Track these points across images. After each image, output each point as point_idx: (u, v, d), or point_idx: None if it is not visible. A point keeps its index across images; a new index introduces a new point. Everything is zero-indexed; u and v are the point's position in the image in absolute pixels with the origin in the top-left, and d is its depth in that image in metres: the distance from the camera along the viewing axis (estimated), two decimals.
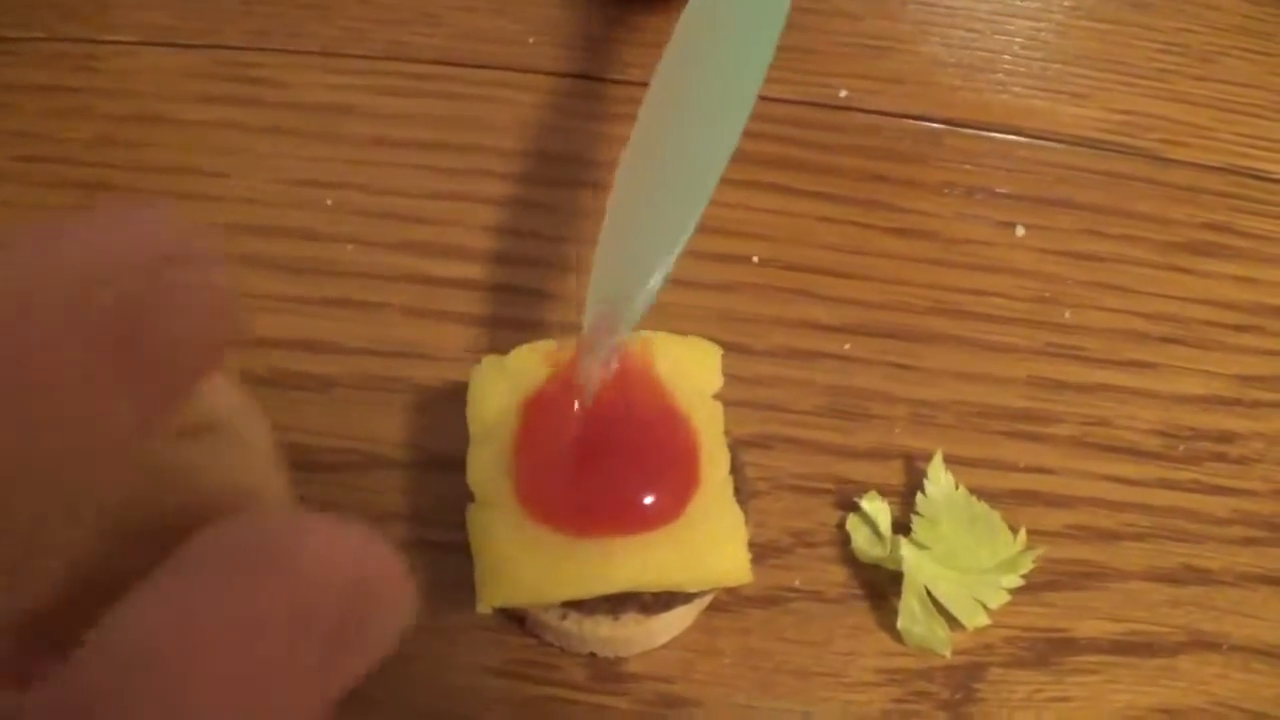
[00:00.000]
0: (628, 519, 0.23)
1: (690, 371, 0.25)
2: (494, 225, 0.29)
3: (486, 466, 0.24)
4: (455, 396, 0.24)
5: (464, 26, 0.33)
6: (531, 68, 0.33)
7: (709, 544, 0.23)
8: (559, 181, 0.30)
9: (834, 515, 0.27)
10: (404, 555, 0.11)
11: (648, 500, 0.23)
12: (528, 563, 0.23)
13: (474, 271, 0.29)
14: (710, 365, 0.25)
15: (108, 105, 0.31)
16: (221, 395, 0.13)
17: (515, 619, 0.25)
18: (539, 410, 0.24)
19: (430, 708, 0.24)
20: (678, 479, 0.24)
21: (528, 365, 0.24)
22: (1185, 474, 0.28)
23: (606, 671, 0.25)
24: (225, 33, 0.33)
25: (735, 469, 0.24)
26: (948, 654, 0.25)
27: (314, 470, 0.27)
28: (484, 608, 0.23)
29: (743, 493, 0.24)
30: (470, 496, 0.23)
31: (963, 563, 0.26)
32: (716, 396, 0.24)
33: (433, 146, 0.31)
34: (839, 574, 0.26)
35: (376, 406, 0.27)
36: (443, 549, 0.25)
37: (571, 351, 0.24)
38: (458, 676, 0.25)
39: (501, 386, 0.24)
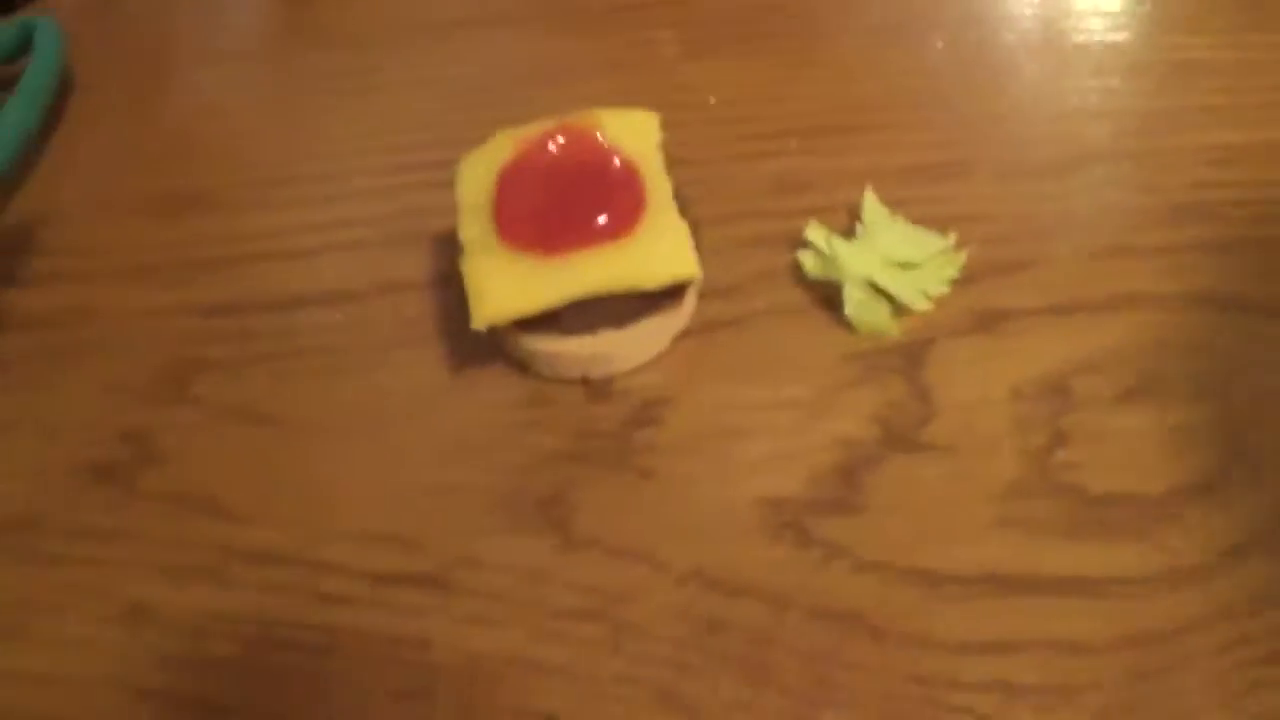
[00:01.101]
0: (586, 236, 0.28)
1: (633, 133, 0.30)
2: None
3: (472, 224, 0.29)
4: None
5: None
6: None
7: (656, 247, 0.28)
8: None
9: (787, 255, 0.31)
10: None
11: (601, 220, 0.28)
12: (508, 281, 0.28)
13: None
14: (650, 127, 0.30)
15: None
16: None
17: (516, 364, 0.29)
18: (511, 174, 0.29)
19: (457, 438, 0.29)
20: (625, 202, 0.28)
21: (501, 148, 0.29)
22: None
23: (598, 390, 0.29)
24: None
25: (679, 197, 0.29)
26: (895, 333, 0.29)
27: None
28: (478, 324, 0.27)
29: (689, 214, 0.29)
30: (460, 252, 0.28)
31: (901, 260, 0.29)
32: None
33: None
34: (796, 294, 0.30)
35: None
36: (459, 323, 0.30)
37: (532, 131, 0.29)
38: (478, 413, 0.29)
39: (480, 168, 0.29)
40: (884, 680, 0.24)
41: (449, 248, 0.31)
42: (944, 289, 0.29)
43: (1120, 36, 0.37)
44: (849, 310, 0.29)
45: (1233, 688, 0.23)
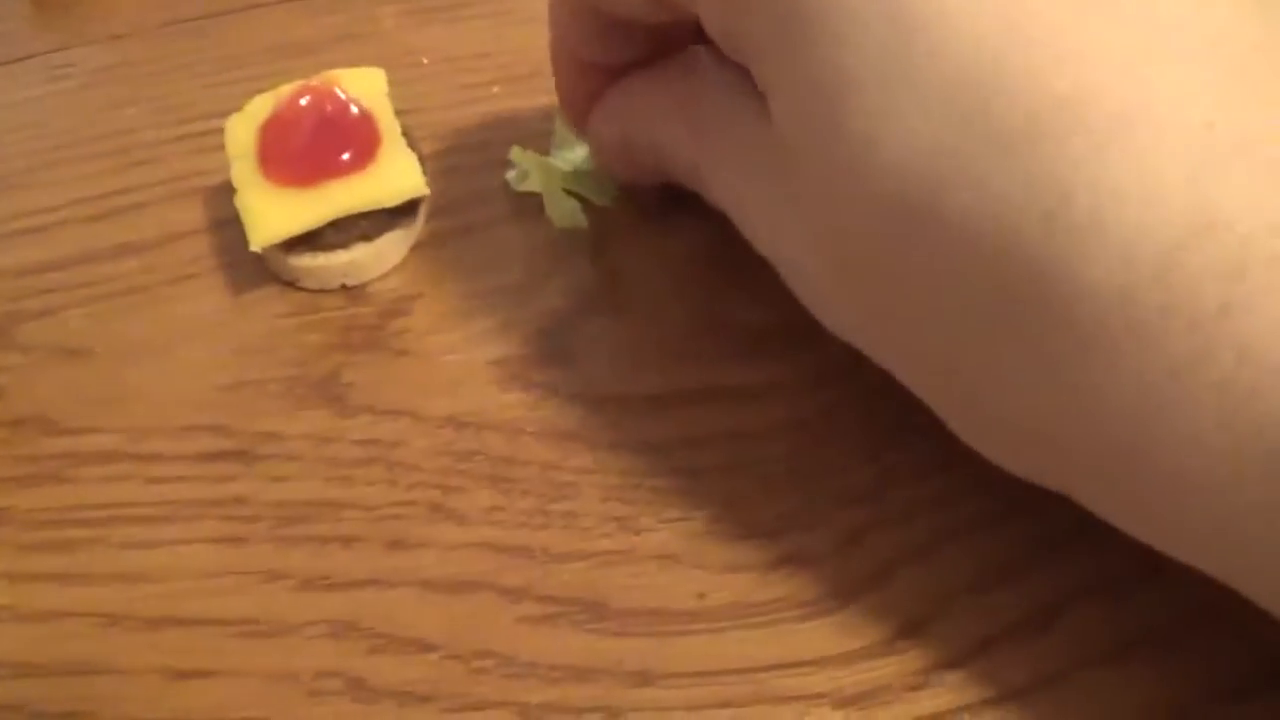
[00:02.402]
0: (335, 169, 0.35)
1: (365, 86, 0.37)
2: None
3: (242, 170, 0.35)
4: None
5: None
6: None
7: (392, 172, 0.35)
8: None
9: (498, 177, 0.39)
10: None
11: (345, 156, 0.35)
12: (276, 210, 0.34)
13: None
14: (378, 80, 0.37)
15: None
16: None
17: (286, 282, 0.36)
18: (270, 127, 0.36)
19: (243, 345, 0.35)
20: (363, 140, 0.35)
21: (260, 107, 0.36)
22: None
23: (355, 294, 0.36)
24: None
25: (407, 137, 0.36)
26: (584, 224, 0.37)
27: None
28: (255, 246, 0.34)
29: (416, 150, 0.36)
30: (233, 189, 0.35)
31: (586, 169, 0.37)
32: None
33: None
34: (506, 205, 0.38)
35: None
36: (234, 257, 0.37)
37: (284, 91, 0.36)
38: (258, 324, 0.36)
39: (243, 125, 0.36)
40: (600, 476, 0.31)
41: (221, 199, 0.37)
42: (617, 191, 0.37)
43: None
44: (549, 211, 0.36)
45: (872, 448, 0.31)
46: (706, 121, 0.30)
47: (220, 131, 0.37)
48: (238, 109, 0.37)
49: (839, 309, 0.27)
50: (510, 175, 0.37)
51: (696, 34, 0.29)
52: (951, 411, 0.24)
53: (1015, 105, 0.19)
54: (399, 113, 0.36)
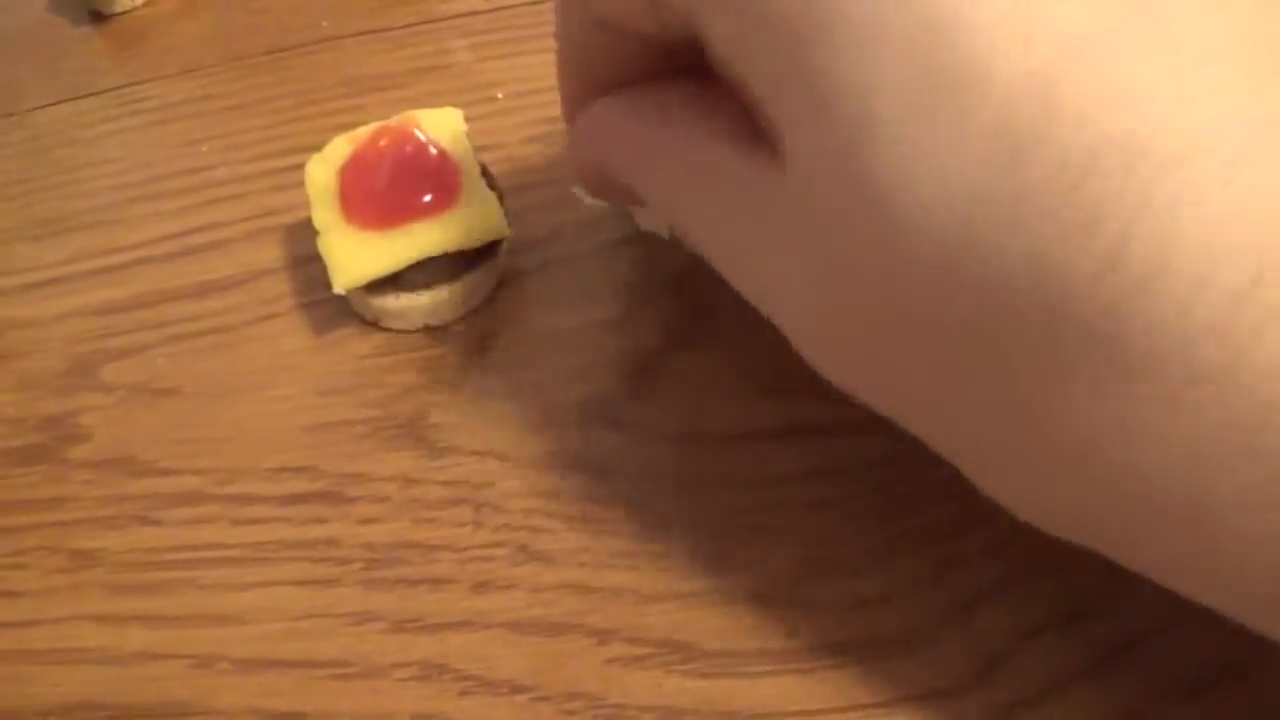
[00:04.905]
0: (416, 211, 0.35)
1: (443, 127, 0.37)
2: None
3: (323, 212, 0.36)
4: None
5: None
6: None
7: (473, 214, 0.35)
8: None
9: (573, 213, 0.38)
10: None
11: (426, 198, 0.35)
12: (359, 252, 0.35)
13: None
14: (456, 121, 0.37)
15: None
16: None
17: (369, 322, 0.37)
18: (350, 168, 0.36)
19: (327, 385, 0.35)
20: (444, 181, 0.35)
21: (339, 149, 0.37)
22: None
23: (439, 334, 0.36)
24: None
25: (486, 175, 0.36)
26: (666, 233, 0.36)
27: None
28: (338, 288, 0.34)
29: (494, 188, 0.36)
30: (315, 233, 0.36)
31: None
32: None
33: None
34: (585, 243, 0.38)
35: None
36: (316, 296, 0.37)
37: (363, 132, 0.36)
38: (342, 363, 0.36)
39: (324, 166, 0.37)
40: (687, 515, 0.31)
41: (300, 236, 0.38)
42: None
43: None
44: (643, 225, 0.36)
45: (953, 484, 0.31)
46: (687, 176, 0.27)
47: (298, 167, 0.37)
48: (314, 144, 0.37)
49: (846, 364, 0.25)
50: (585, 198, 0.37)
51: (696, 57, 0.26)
52: (981, 480, 0.23)
53: (1066, 147, 0.17)
54: (476, 149, 0.36)
